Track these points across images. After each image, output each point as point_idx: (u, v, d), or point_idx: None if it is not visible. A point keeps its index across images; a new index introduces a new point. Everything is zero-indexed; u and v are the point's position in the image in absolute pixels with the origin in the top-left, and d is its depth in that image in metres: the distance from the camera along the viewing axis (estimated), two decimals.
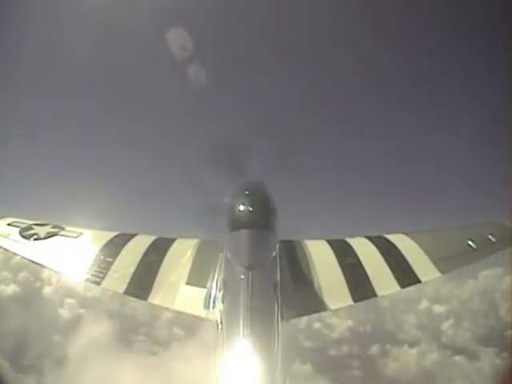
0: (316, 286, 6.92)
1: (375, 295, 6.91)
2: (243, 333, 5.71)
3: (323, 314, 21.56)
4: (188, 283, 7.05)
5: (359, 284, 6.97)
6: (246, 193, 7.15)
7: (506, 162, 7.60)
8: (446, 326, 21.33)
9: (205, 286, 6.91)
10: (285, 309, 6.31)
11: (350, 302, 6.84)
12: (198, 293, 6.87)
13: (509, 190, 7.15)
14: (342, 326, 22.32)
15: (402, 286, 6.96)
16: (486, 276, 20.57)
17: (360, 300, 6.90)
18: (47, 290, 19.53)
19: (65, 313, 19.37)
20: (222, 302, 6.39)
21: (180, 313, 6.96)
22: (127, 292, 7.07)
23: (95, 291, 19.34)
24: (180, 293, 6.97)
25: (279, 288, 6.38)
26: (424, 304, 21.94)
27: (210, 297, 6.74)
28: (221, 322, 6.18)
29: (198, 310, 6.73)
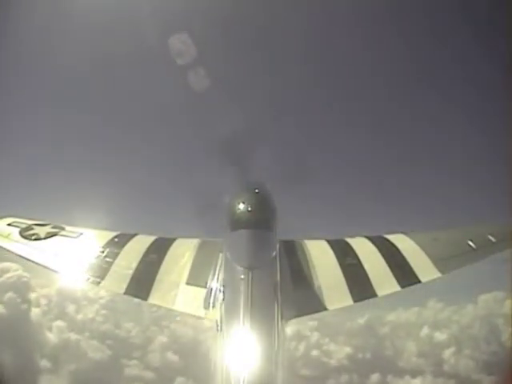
0: (316, 286, 7.07)
1: (375, 295, 7.07)
2: (243, 333, 5.83)
3: (321, 340, 21.35)
4: (188, 283, 7.19)
5: (359, 284, 7.12)
6: (246, 192, 7.38)
7: (506, 161, 7.82)
8: (447, 353, 21.03)
9: (205, 286, 7.05)
10: (285, 309, 6.44)
11: (350, 301, 6.99)
12: (198, 293, 7.02)
13: (509, 189, 7.35)
14: (340, 353, 22.01)
15: (402, 286, 7.11)
16: (486, 300, 20.42)
17: (360, 300, 7.05)
18: (35, 311, 19.13)
19: (52, 337, 18.92)
20: (222, 302, 6.52)
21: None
22: (127, 292, 7.21)
23: (88, 310, 19.20)
24: (180, 293, 7.11)
25: (279, 288, 6.52)
26: (424, 330, 21.73)
27: (209, 297, 6.87)
28: (221, 322, 6.32)
29: (198, 310, 6.87)
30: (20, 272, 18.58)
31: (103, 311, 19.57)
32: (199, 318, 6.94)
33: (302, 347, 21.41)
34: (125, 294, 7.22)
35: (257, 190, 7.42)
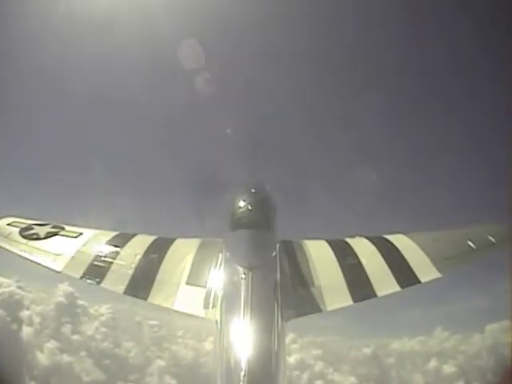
0: (316, 286, 7.23)
1: (375, 295, 7.21)
2: (243, 333, 5.97)
3: (325, 370, 21.12)
4: (188, 283, 7.35)
5: (359, 284, 7.27)
6: (246, 193, 7.71)
7: (506, 161, 8.05)
8: None
9: (205, 286, 7.23)
10: (285, 309, 6.59)
11: (349, 302, 7.12)
12: (198, 293, 7.17)
13: (508, 190, 7.57)
14: (345, 383, 21.75)
15: (402, 286, 7.25)
16: (492, 330, 20.26)
17: (360, 300, 7.18)
18: (26, 331, 18.71)
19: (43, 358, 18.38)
20: (222, 302, 6.72)
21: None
22: (127, 292, 7.37)
23: (87, 327, 19.01)
24: (180, 293, 7.26)
25: (279, 288, 6.72)
26: (430, 360, 21.43)
27: (209, 297, 7.03)
28: (220, 322, 6.48)
29: (198, 310, 7.03)
30: (13, 288, 18.36)
31: (103, 329, 19.36)
32: (199, 317, 7.08)
33: (305, 376, 21.15)
34: (124, 293, 7.38)
35: (256, 190, 7.72)
